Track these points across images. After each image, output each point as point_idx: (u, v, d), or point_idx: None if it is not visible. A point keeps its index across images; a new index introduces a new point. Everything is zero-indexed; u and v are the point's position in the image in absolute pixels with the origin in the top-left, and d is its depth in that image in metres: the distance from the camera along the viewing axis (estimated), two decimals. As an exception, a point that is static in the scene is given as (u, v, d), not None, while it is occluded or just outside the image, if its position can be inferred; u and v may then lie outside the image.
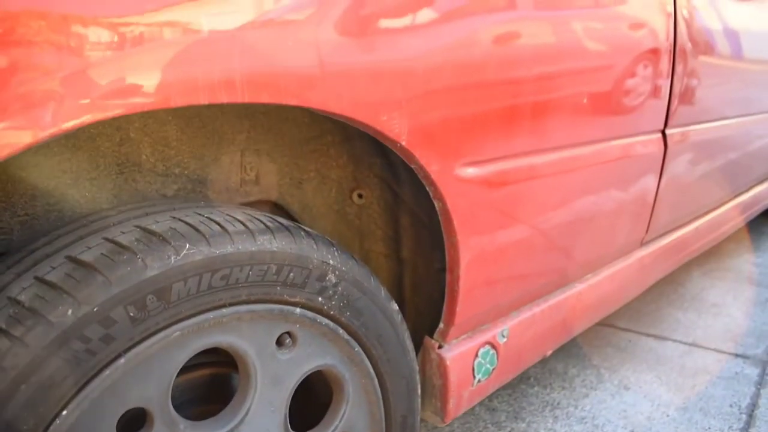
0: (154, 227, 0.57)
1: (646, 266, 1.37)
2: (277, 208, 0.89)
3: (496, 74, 0.77)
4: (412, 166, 0.72)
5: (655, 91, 1.14)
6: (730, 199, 1.74)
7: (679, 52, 1.18)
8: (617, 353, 1.56)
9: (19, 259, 0.55)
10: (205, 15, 0.50)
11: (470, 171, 0.77)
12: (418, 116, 0.67)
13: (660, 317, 1.77)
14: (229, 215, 0.63)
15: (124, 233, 0.57)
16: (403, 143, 0.66)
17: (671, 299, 1.89)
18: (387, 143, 0.67)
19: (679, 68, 1.20)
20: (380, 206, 0.94)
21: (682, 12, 1.17)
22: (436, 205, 0.76)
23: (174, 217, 0.60)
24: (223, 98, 0.51)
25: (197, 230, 0.58)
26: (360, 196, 0.93)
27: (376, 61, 0.63)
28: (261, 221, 0.64)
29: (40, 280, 0.52)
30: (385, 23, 0.64)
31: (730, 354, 1.56)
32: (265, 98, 0.55)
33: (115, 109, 0.46)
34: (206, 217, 0.61)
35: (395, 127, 0.65)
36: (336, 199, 0.93)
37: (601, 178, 1.08)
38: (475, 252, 0.83)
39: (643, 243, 1.34)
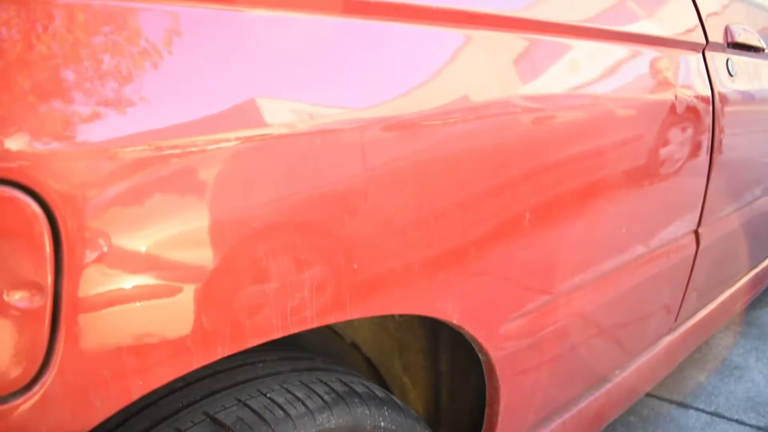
0: (222, 416, 0.61)
1: (674, 350, 1.40)
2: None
3: (540, 245, 0.80)
4: (461, 332, 0.75)
5: (692, 195, 1.16)
6: (753, 268, 1.76)
7: (716, 153, 1.20)
8: (640, 423, 1.59)
9: None
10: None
11: (513, 325, 0.81)
12: (469, 299, 0.71)
13: (683, 380, 1.80)
14: (290, 392, 0.66)
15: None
16: (455, 322, 0.70)
17: (694, 359, 1.92)
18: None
19: (714, 170, 1.21)
20: (419, 321, 0.97)
21: (720, 111, 1.19)
22: (480, 357, 0.80)
23: (240, 401, 0.64)
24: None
25: (263, 419, 0.62)
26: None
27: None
28: (319, 396, 0.68)
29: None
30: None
31: (751, 426, 1.59)
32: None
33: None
34: (268, 398, 0.65)
35: (448, 311, 0.68)
36: (377, 314, 0.97)
37: (633, 288, 1.11)
38: (514, 390, 0.86)
39: (671, 330, 1.37)
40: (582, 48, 0.84)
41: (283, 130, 0.52)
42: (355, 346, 1.00)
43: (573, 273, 0.92)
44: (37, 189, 0.41)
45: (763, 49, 1.35)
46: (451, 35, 0.68)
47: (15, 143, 0.40)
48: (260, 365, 0.71)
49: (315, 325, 0.57)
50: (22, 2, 0.41)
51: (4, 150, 0.39)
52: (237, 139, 0.49)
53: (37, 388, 0.43)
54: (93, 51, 0.43)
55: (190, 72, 0.48)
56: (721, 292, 1.55)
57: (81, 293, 0.43)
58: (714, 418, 1.62)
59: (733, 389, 1.76)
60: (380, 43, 0.62)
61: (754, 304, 2.30)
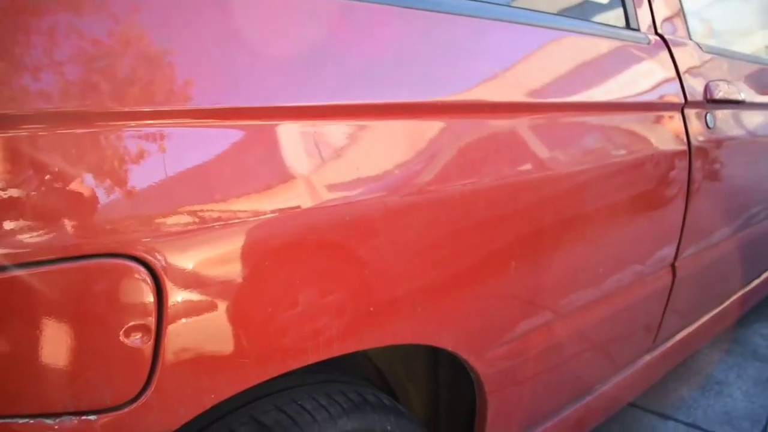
0: (263, 419, 0.78)
1: (652, 367, 1.56)
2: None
3: (528, 282, 0.96)
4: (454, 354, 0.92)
5: (669, 234, 1.32)
6: (735, 292, 1.91)
7: (693, 188, 1.35)
8: (622, 431, 1.75)
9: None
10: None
11: (500, 349, 0.97)
12: (462, 330, 0.87)
13: (665, 392, 1.96)
14: (316, 400, 0.83)
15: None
16: (450, 348, 0.87)
17: (679, 372, 2.07)
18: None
19: (692, 204, 1.37)
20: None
21: (696, 160, 1.34)
22: (471, 374, 0.96)
23: (276, 406, 0.81)
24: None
25: (295, 422, 0.79)
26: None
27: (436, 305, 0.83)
28: (339, 404, 0.85)
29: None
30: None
31: (725, 438, 1.74)
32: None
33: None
34: (299, 404, 0.82)
35: (445, 340, 0.85)
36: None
37: (612, 315, 1.27)
38: (500, 401, 1.03)
39: (649, 350, 1.52)
40: (562, 121, 1.00)
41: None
42: (367, 357, 1.17)
43: (556, 305, 1.08)
44: (145, 258, 0.58)
45: (743, 101, 1.49)
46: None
47: (129, 224, 0.56)
48: (291, 377, 0.89)
49: (338, 353, 0.74)
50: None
51: (128, 231, 0.56)
52: (272, 210, 0.66)
53: (141, 400, 0.60)
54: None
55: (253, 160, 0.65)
56: (699, 316, 1.70)
57: (173, 333, 0.60)
58: (691, 429, 1.78)
59: (712, 403, 1.91)
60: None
61: (740, 322, 2.45)
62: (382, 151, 0.74)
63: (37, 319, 0.53)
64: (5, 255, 0.51)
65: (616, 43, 1.13)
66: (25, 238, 0.51)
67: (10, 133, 0.51)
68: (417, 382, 1.17)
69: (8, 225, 0.51)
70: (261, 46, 0.65)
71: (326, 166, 0.68)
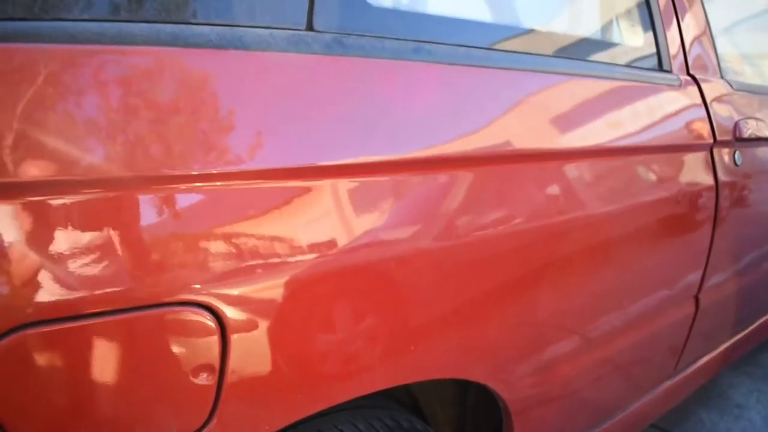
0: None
1: (674, 392, 1.60)
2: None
3: (554, 316, 1.02)
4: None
5: (694, 267, 1.36)
6: (758, 318, 1.94)
7: (718, 224, 1.39)
8: (641, 451, 1.79)
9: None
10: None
11: (525, 379, 1.02)
12: (491, 363, 0.93)
13: (685, 414, 1.99)
14: (355, 425, 0.90)
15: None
16: (480, 380, 0.92)
17: (698, 395, 2.10)
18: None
19: (717, 239, 1.41)
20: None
21: (723, 197, 1.38)
22: (499, 402, 1.02)
23: (319, 431, 0.87)
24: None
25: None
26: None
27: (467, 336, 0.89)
28: (376, 429, 0.91)
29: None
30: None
31: (742, 463, 1.78)
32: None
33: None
34: (339, 429, 0.88)
35: (475, 373, 0.91)
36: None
37: (635, 343, 1.31)
38: (525, 423, 1.08)
39: (670, 376, 1.56)
40: (591, 165, 1.05)
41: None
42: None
43: (581, 334, 1.13)
44: (211, 305, 0.64)
45: (773, 137, 1.52)
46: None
47: (197, 276, 0.63)
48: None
49: (381, 388, 0.80)
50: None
51: (196, 281, 0.63)
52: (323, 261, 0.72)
53: (205, 430, 0.67)
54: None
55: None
56: (721, 342, 1.74)
57: (235, 370, 0.67)
58: (709, 452, 1.81)
59: (730, 427, 1.94)
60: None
61: (762, 346, 2.47)
62: (418, 201, 0.80)
63: (112, 360, 0.60)
64: (89, 304, 0.58)
65: (648, 87, 1.18)
66: (106, 289, 0.58)
67: (91, 195, 0.57)
68: (445, 406, 1.23)
69: (93, 278, 0.57)
70: (314, 110, 0.71)
71: (371, 215, 0.74)
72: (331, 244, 0.72)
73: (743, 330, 1.88)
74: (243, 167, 0.65)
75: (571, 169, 0.99)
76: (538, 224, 0.95)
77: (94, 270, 0.57)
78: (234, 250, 0.65)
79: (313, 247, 0.70)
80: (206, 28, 0.66)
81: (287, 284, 0.69)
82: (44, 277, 0.55)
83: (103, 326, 0.59)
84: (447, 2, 0.94)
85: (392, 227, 0.76)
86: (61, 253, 0.56)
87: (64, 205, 0.56)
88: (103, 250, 0.58)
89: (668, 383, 1.57)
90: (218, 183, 0.64)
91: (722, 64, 1.47)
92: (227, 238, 0.65)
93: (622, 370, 1.33)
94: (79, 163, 0.56)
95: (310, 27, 0.74)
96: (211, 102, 0.64)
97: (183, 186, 0.62)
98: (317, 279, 0.71)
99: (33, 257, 0.55)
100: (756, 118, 1.48)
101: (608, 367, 1.27)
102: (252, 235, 0.66)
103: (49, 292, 0.55)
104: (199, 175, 0.62)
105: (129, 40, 0.61)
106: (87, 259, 0.57)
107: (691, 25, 1.37)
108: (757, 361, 2.38)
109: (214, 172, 0.63)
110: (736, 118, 1.41)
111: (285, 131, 0.68)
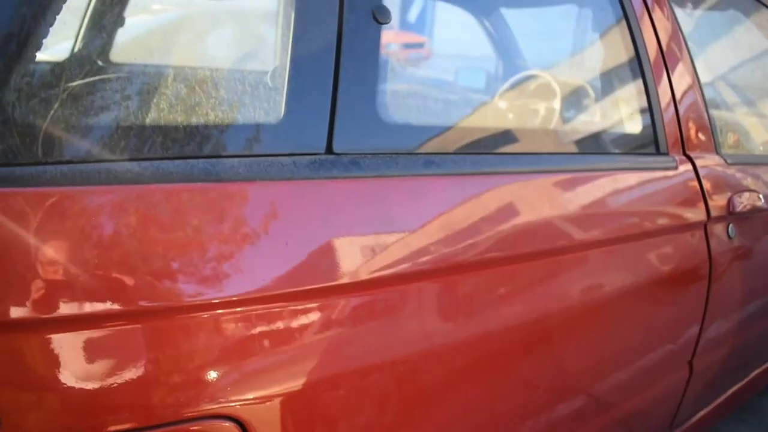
0: None
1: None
2: None
3: (555, 387, 1.09)
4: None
5: (688, 335, 1.43)
6: (753, 371, 1.99)
7: (712, 295, 1.46)
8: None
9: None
10: None
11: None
12: None
13: (681, 462, 2.05)
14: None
15: None
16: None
17: (695, 442, 2.16)
18: None
19: (710, 309, 1.47)
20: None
21: (716, 268, 1.45)
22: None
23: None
24: None
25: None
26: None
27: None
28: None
29: None
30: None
31: None
32: None
33: None
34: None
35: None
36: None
37: (631, 406, 1.38)
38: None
39: (665, 434, 1.63)
40: (589, 255, 1.12)
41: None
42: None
43: (576, 400, 1.19)
44: (240, 416, 0.71)
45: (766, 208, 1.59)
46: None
47: (226, 391, 0.70)
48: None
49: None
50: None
51: (226, 396, 0.70)
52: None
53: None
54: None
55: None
56: (714, 399, 1.80)
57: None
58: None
59: (724, 477, 2.00)
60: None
61: (759, 393, 2.51)
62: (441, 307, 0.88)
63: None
64: (127, 422, 0.65)
65: (644, 174, 1.25)
66: (142, 408, 0.66)
67: (138, 325, 0.65)
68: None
69: (130, 397, 0.65)
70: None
71: (391, 329, 0.82)
72: (343, 357, 0.79)
73: (741, 380, 1.93)
74: (269, 292, 0.72)
75: (575, 261, 1.07)
76: (541, 314, 1.02)
77: (131, 389, 0.65)
78: (257, 367, 0.72)
79: (325, 360, 0.77)
80: (236, 161, 0.74)
81: (303, 398, 0.76)
82: (76, 401, 0.62)
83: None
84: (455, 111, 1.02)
85: (409, 339, 0.84)
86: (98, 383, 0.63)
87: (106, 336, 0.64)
88: (141, 370, 0.65)
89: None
90: (256, 307, 0.71)
91: (718, 139, 1.54)
92: (245, 356, 0.72)
93: (618, 428, 1.39)
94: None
95: (330, 150, 0.81)
96: (241, 230, 0.72)
97: (212, 313, 0.69)
98: (320, 398, 0.78)
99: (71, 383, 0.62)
100: (750, 190, 1.55)
101: (604, 424, 1.34)
102: (271, 353, 0.73)
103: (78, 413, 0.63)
104: (226, 301, 0.70)
105: (167, 179, 0.68)
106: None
107: (688, 105, 1.44)
108: (754, 409, 2.42)
109: (250, 296, 0.71)
110: (731, 193, 1.47)
111: (300, 256, 0.75)
